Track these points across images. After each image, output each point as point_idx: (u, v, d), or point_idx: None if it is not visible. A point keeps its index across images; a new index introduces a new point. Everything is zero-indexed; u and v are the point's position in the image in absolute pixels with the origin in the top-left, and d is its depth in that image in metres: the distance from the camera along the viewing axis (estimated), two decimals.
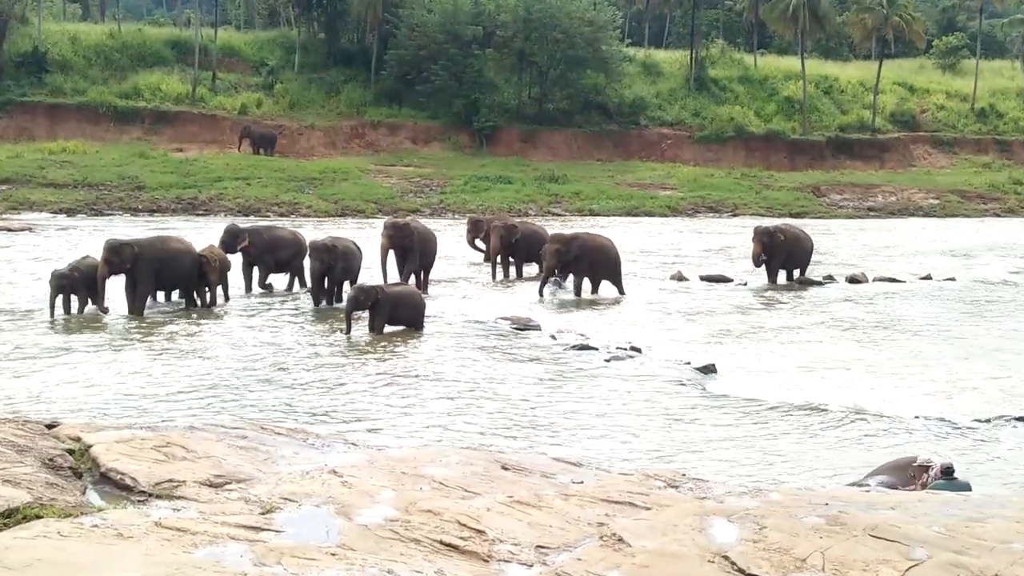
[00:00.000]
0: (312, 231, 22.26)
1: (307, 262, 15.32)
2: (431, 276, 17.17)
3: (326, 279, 14.84)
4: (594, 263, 16.72)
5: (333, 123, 41.13)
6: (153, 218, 28.48)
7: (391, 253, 16.35)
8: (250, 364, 11.12)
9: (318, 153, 39.63)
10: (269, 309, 14.73)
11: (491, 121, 41.59)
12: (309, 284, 15.12)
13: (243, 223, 19.55)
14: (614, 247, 17.09)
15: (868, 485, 6.09)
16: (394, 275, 16.15)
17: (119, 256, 13.70)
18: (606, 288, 16.99)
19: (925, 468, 6.30)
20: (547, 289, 16.56)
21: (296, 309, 14.79)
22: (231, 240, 15.70)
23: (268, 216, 29.45)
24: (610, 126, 43.40)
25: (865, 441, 8.86)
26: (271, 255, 16.07)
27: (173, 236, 15.54)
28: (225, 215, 29.02)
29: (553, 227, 22.10)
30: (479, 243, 20.44)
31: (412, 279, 16.31)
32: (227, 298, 14.94)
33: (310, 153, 39.51)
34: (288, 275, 16.53)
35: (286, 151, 38.91)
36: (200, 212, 29.75)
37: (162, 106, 39.47)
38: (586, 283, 16.79)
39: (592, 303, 16.16)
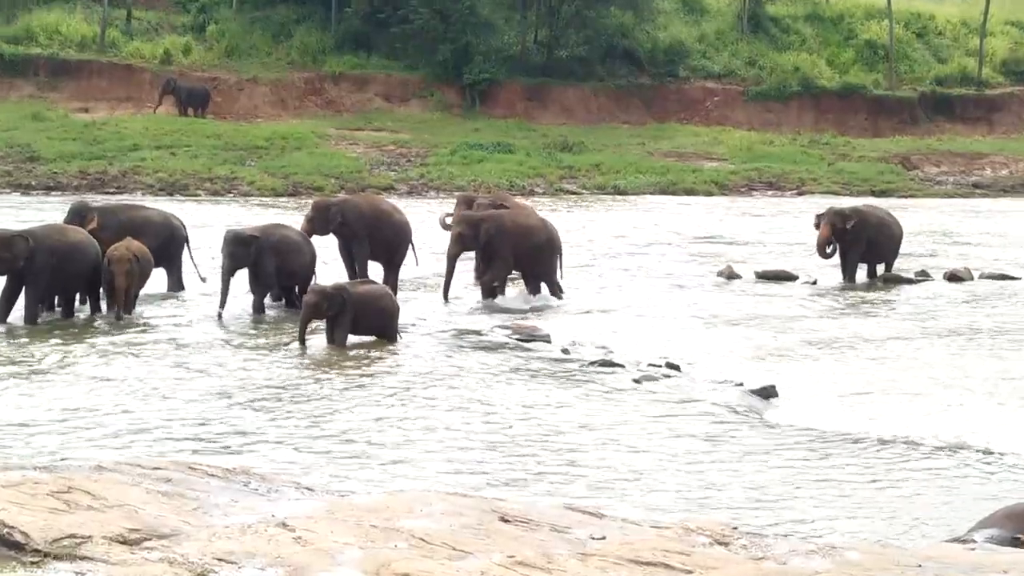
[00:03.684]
0: (245, 216, 22.29)
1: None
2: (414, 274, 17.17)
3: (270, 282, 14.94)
4: (520, 251, 15.87)
5: (282, 76, 41.12)
6: (50, 197, 28.48)
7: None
8: (173, 388, 11.12)
9: (263, 114, 39.61)
10: (186, 316, 14.69)
11: (487, 73, 41.57)
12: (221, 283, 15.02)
13: (165, 204, 19.51)
14: (547, 229, 16.42)
15: (973, 541, 6.10)
16: (337, 273, 16.11)
17: (11, 251, 13.59)
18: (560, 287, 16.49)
19: None
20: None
21: (223, 316, 14.69)
22: (76, 221, 15.32)
23: (198, 195, 29.46)
24: (640, 79, 43.35)
25: (969, 484, 8.86)
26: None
27: (70, 226, 15.33)
28: (143, 193, 29.00)
29: (558, 209, 22.08)
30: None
31: (391, 277, 16.38)
32: (132, 307, 14.41)
33: (253, 114, 39.50)
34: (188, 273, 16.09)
35: (222, 111, 38.91)
36: (111, 190, 29.68)
37: (62, 53, 39.41)
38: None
39: (612, 308, 16.09)
